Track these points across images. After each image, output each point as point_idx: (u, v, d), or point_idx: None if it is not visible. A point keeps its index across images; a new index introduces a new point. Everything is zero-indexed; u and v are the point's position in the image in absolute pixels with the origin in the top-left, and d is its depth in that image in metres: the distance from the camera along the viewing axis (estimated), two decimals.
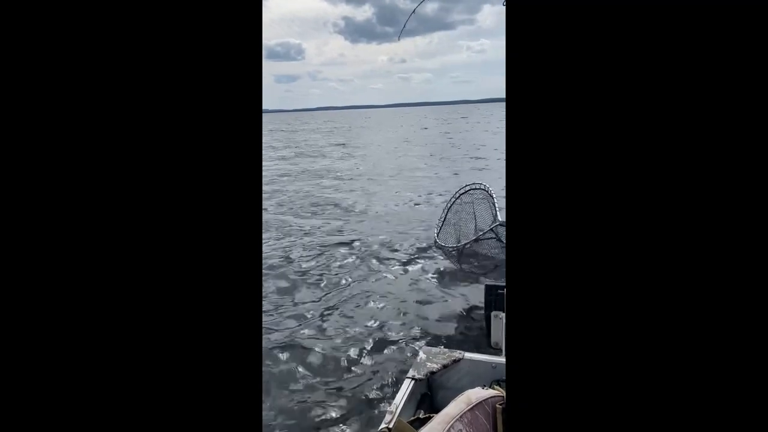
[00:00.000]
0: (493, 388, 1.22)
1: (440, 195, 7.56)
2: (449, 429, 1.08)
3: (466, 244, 4.35)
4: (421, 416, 1.50)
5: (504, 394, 1.20)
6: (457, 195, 5.00)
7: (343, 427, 2.27)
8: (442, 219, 4.97)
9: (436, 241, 4.71)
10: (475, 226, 4.76)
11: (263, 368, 2.69)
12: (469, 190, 4.92)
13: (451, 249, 4.47)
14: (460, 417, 1.13)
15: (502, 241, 3.78)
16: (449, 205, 4.99)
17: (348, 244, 5.35)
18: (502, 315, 2.11)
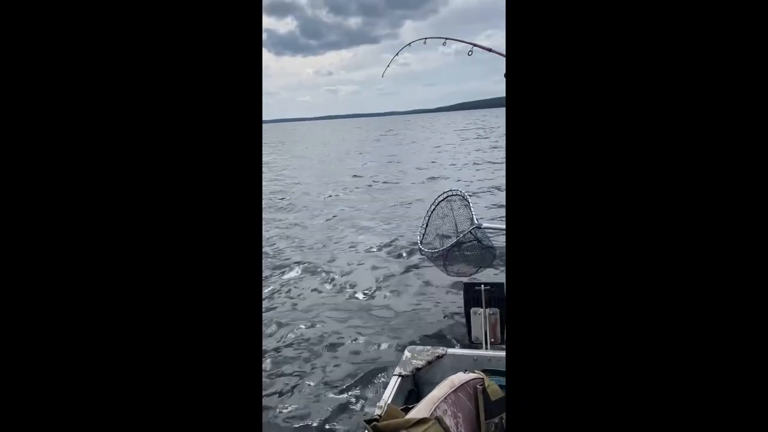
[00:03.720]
0: (474, 372, 1.31)
1: None
2: (435, 409, 1.16)
3: (449, 248, 4.47)
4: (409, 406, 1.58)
5: (483, 376, 1.30)
6: (437, 202, 5.14)
7: (334, 420, 2.34)
8: (424, 226, 5.09)
9: (420, 249, 4.83)
10: (456, 230, 4.90)
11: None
12: (447, 197, 5.07)
13: (435, 254, 4.59)
14: (445, 398, 1.21)
15: (481, 243, 3.94)
16: (430, 212, 5.13)
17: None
18: (481, 311, 2.27)
